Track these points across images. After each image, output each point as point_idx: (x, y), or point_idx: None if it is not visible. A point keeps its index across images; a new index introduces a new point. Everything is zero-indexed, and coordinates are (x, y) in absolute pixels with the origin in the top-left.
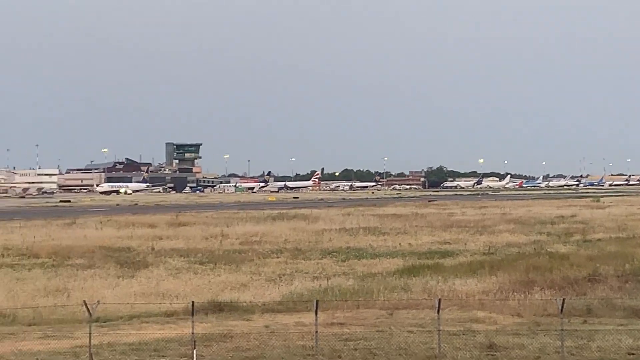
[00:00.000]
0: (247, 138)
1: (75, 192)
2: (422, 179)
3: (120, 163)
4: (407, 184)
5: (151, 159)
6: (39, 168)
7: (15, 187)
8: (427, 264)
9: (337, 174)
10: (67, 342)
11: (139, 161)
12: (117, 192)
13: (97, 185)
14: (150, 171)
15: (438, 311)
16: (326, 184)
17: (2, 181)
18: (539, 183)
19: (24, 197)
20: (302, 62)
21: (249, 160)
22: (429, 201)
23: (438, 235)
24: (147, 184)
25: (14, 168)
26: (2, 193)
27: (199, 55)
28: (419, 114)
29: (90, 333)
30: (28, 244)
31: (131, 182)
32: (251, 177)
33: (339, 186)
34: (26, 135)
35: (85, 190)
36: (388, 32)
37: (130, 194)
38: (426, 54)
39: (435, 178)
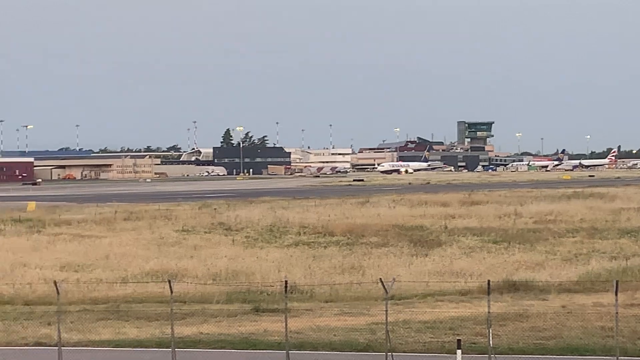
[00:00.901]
0: (540, 116)
1: (367, 171)
2: None
3: (412, 142)
4: None
5: (443, 138)
6: (333, 148)
7: (309, 166)
8: None
9: (634, 151)
10: (363, 319)
11: (430, 140)
12: (398, 171)
13: (379, 165)
14: (442, 150)
15: None
16: (623, 161)
17: (298, 161)
18: None
19: (318, 176)
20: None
21: (542, 138)
22: None
23: None
24: (428, 163)
25: (309, 148)
26: (298, 172)
27: (484, 31)
28: None
29: (386, 310)
30: (323, 222)
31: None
32: (545, 156)
33: (636, 164)
34: (320, 115)
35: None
36: None
37: (411, 173)
38: None
39: None
